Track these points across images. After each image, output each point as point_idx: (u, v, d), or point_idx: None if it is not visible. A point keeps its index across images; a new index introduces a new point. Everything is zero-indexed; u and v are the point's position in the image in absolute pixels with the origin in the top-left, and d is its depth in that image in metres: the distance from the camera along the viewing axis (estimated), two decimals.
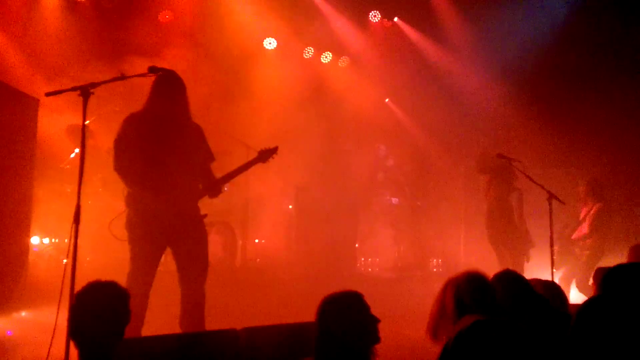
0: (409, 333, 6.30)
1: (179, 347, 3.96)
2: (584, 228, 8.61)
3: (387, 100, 12.40)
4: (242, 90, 9.99)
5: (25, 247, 6.80)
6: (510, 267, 4.66)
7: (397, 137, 12.14)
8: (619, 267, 3.31)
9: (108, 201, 7.35)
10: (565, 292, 4.10)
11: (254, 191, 9.79)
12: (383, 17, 11.61)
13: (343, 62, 11.84)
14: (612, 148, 10.48)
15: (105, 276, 3.12)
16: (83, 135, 4.16)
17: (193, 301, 5.08)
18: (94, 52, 8.78)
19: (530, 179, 7.07)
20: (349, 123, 11.09)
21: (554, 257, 6.87)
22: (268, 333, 4.21)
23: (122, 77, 4.39)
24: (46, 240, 7.96)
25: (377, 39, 11.61)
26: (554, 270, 6.80)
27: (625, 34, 10.32)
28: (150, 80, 4.94)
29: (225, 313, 6.02)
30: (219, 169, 5.40)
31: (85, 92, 4.09)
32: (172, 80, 5.09)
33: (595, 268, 5.62)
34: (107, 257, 6.95)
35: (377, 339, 3.16)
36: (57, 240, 7.92)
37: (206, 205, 5.33)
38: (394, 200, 11.80)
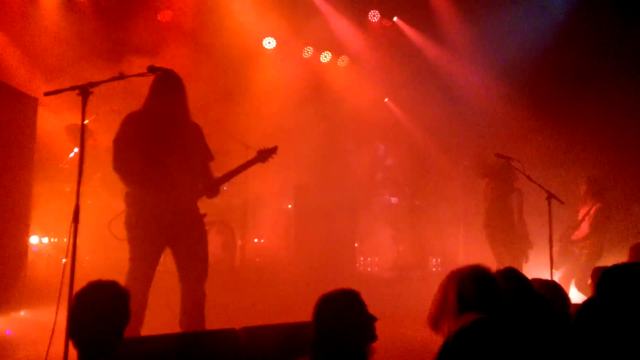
0: (408, 333, 6.32)
1: (179, 347, 3.96)
2: (584, 228, 8.61)
3: (386, 99, 12.41)
4: (241, 89, 9.99)
5: (24, 247, 6.79)
6: None
7: (396, 137, 12.15)
8: (614, 268, 3.31)
9: (107, 200, 7.35)
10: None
11: (253, 191, 9.79)
12: (382, 16, 11.61)
13: (342, 61, 11.84)
14: (611, 148, 10.48)
15: (105, 276, 3.11)
16: (82, 135, 4.16)
17: (193, 301, 5.07)
18: (93, 51, 8.77)
19: (530, 179, 7.07)
20: (348, 123, 11.09)
21: (554, 258, 6.86)
22: (267, 332, 4.21)
23: (121, 77, 4.38)
24: (45, 240, 7.95)
25: (376, 39, 11.61)
26: (554, 270, 6.79)
27: (625, 34, 10.32)
28: (149, 79, 4.94)
29: (224, 313, 6.02)
30: (218, 169, 5.39)
31: (84, 91, 4.09)
32: (171, 79, 5.09)
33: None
34: (107, 256, 6.94)
35: (373, 338, 3.16)
36: (56, 240, 7.92)
37: (205, 204, 5.32)
38: (393, 199, 11.81)
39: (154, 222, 4.93)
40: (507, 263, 7.55)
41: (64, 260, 4.14)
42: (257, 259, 10.20)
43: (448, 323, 3.16)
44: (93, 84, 4.14)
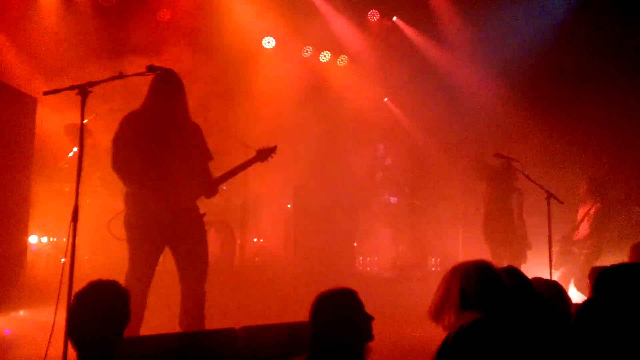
0: (407, 332, 6.32)
1: (178, 347, 3.96)
2: (585, 229, 8.61)
3: (385, 99, 12.40)
4: (240, 89, 9.99)
5: (23, 246, 6.79)
6: None
7: (396, 137, 12.16)
8: (610, 269, 3.32)
9: (106, 200, 7.33)
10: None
11: (252, 190, 9.78)
12: (382, 16, 11.60)
13: (342, 61, 11.84)
14: (611, 148, 10.49)
15: (104, 275, 3.11)
16: (81, 134, 4.16)
17: (193, 300, 5.07)
18: (92, 51, 8.77)
19: (529, 179, 7.08)
20: (348, 122, 11.09)
21: (555, 258, 6.87)
22: (267, 332, 4.21)
23: (121, 76, 4.38)
24: (44, 239, 7.95)
25: (375, 39, 11.60)
26: (553, 270, 6.80)
27: (625, 34, 10.32)
28: (148, 79, 4.95)
29: (224, 312, 6.01)
30: (217, 168, 5.39)
31: (83, 90, 4.09)
32: (171, 79, 5.09)
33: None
34: (106, 256, 6.94)
35: (370, 337, 3.15)
36: (55, 239, 7.92)
37: (205, 204, 5.32)
38: (393, 199, 11.82)
39: (153, 222, 4.93)
40: (505, 263, 7.56)
41: (63, 259, 4.15)
42: (257, 259, 10.20)
43: (449, 317, 3.14)
44: (92, 84, 4.13)
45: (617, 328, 3.03)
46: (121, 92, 6.53)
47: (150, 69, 4.58)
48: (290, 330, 4.04)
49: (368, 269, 11.10)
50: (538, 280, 3.86)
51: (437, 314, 3.21)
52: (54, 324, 3.96)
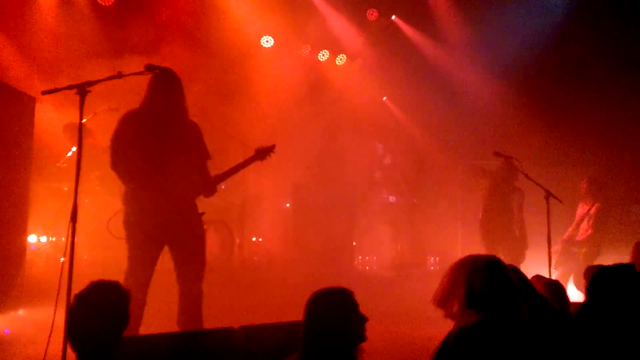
0: (406, 331, 6.33)
1: (177, 346, 3.96)
2: (587, 229, 8.60)
3: (384, 98, 12.40)
4: (239, 88, 9.98)
5: (22, 246, 6.79)
6: None
7: (395, 136, 12.15)
8: (603, 270, 3.33)
9: (105, 199, 7.34)
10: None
11: (251, 189, 9.79)
12: (380, 15, 11.59)
13: (340, 60, 11.83)
14: (611, 148, 10.50)
15: (103, 275, 3.11)
16: (80, 134, 4.16)
17: (190, 299, 5.08)
18: (91, 50, 8.77)
19: (528, 178, 7.08)
20: (347, 121, 11.08)
21: (556, 257, 6.87)
22: (265, 331, 4.20)
23: (119, 75, 4.38)
24: (43, 239, 7.95)
25: (374, 37, 11.59)
26: (553, 269, 6.80)
27: (625, 34, 10.32)
28: (147, 78, 4.95)
29: (222, 311, 6.01)
30: (216, 168, 5.39)
31: (82, 90, 4.08)
32: (169, 78, 5.09)
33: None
34: (105, 255, 6.95)
35: (362, 338, 3.11)
36: (54, 239, 7.92)
37: (204, 203, 5.32)
38: (392, 198, 11.81)
39: (152, 221, 4.93)
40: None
41: (62, 259, 4.14)
42: (255, 258, 10.20)
43: (453, 308, 3.11)
44: (91, 83, 4.13)
45: (611, 330, 3.04)
46: (120, 91, 6.52)
47: (149, 68, 4.58)
48: (289, 330, 4.03)
49: (367, 268, 11.10)
50: (538, 278, 3.86)
51: (441, 302, 3.18)
52: (53, 323, 3.96)
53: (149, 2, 9.71)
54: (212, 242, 8.41)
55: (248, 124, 9.10)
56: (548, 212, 6.69)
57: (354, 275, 9.82)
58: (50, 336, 3.97)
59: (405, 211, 11.75)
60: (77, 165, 4.08)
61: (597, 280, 3.27)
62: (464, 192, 11.28)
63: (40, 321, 5.40)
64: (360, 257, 11.18)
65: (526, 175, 7.12)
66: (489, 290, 3.08)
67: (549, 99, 10.87)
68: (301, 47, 11.34)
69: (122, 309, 3.01)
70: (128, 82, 4.66)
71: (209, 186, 5.25)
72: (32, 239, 7.65)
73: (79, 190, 4.06)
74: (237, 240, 9.52)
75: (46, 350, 4.01)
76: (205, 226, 5.36)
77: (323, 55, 11.67)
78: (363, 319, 3.12)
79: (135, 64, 4.90)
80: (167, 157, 4.99)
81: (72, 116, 5.76)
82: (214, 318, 5.25)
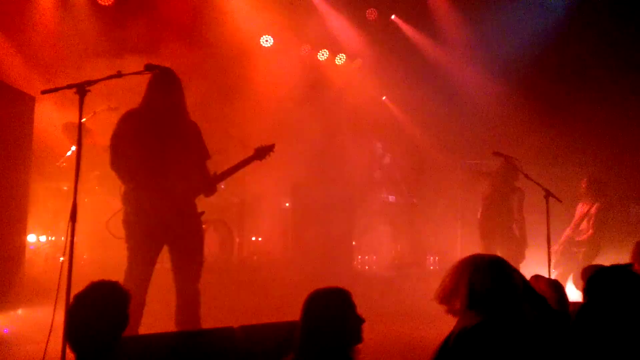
0: (406, 330, 6.33)
1: (176, 345, 3.95)
2: (588, 229, 8.60)
3: (384, 97, 12.40)
4: (238, 87, 9.98)
5: (21, 245, 6.79)
6: None
7: (394, 135, 12.14)
8: (600, 271, 3.32)
9: (105, 199, 7.33)
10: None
11: (250, 189, 9.78)
12: (380, 14, 11.58)
13: (340, 59, 11.83)
14: (610, 147, 10.50)
15: (102, 274, 3.10)
16: (79, 133, 4.15)
17: (187, 299, 5.07)
18: (90, 49, 8.77)
19: (528, 177, 7.08)
20: (346, 121, 11.08)
21: (555, 257, 6.86)
22: (265, 331, 4.20)
23: (119, 75, 4.37)
24: (43, 238, 7.95)
25: (374, 37, 11.59)
26: (552, 268, 6.80)
27: (625, 33, 10.32)
28: (146, 77, 4.95)
29: (221, 311, 6.02)
30: (215, 167, 5.39)
31: (81, 89, 4.07)
32: (169, 77, 5.09)
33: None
34: (104, 254, 6.94)
35: (359, 339, 3.10)
36: (53, 238, 7.92)
37: (203, 203, 5.33)
38: (391, 197, 11.79)
39: (152, 221, 4.93)
40: None
41: (61, 258, 4.14)
42: (255, 257, 10.20)
43: (455, 305, 3.09)
44: (90, 82, 4.12)
45: (609, 331, 3.04)
46: (119, 91, 6.52)
47: (148, 67, 4.57)
48: (288, 329, 4.01)
49: (366, 267, 11.08)
50: (538, 278, 3.85)
51: (443, 298, 3.15)
52: (52, 322, 3.95)
53: (148, 1, 9.70)
54: (212, 242, 8.42)
55: (248, 124, 9.11)
56: (548, 211, 6.69)
57: (353, 275, 9.81)
58: (49, 335, 3.97)
59: (405, 211, 11.73)
60: (76, 165, 4.08)
61: (594, 281, 3.26)
62: (463, 192, 11.28)
63: (39, 321, 5.40)
64: (359, 257, 11.16)
65: (526, 175, 7.12)
66: (491, 290, 3.05)
67: (549, 99, 10.86)
68: (301, 46, 11.34)
69: (122, 309, 3.00)
70: (128, 82, 4.65)
71: (209, 186, 5.25)
72: (31, 238, 7.64)
73: (78, 189, 4.05)
74: (237, 240, 9.52)
75: (45, 349, 4.00)
76: (204, 225, 5.37)
77: (322, 54, 11.67)
78: (360, 320, 3.11)
79: (135, 63, 4.89)
80: (167, 156, 4.99)
81: (72, 115, 5.77)
82: (213, 318, 5.25)
